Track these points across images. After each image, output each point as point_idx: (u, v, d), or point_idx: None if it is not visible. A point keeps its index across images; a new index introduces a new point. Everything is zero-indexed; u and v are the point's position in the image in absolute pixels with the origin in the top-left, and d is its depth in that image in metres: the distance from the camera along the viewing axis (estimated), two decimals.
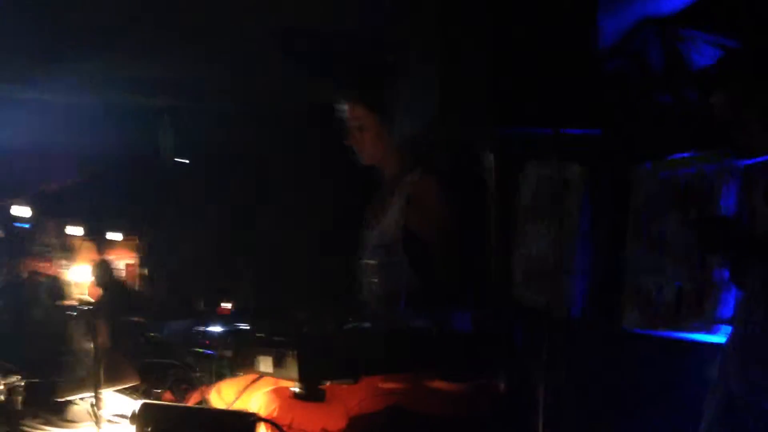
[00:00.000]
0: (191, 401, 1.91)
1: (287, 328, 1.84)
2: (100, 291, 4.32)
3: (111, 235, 3.66)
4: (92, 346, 1.64)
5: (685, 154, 1.95)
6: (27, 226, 3.86)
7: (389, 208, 2.22)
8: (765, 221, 1.65)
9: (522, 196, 2.19)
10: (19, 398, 1.61)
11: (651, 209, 2.05)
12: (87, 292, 3.52)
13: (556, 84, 1.73)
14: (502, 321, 1.86)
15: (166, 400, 1.93)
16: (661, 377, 1.98)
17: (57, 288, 4.32)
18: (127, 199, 3.58)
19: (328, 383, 1.70)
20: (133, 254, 3.66)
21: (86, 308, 1.68)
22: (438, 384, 1.76)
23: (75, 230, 3.69)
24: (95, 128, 3.50)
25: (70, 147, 3.57)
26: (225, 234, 3.26)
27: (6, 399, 1.62)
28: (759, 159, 1.70)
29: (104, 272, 4.82)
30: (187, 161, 3.36)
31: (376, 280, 1.92)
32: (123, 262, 3.70)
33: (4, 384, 1.61)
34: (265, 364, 1.76)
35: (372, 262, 1.94)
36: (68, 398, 1.70)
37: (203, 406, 1.81)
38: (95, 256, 3.82)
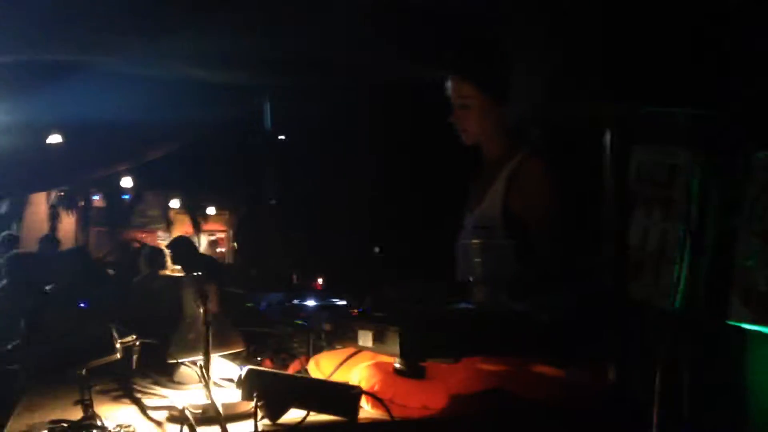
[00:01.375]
0: (290, 371, 1.94)
1: (388, 305, 1.84)
2: (179, 265, 4.49)
3: (207, 209, 3.78)
4: (202, 311, 1.69)
5: None
6: (127, 197, 4.03)
7: (492, 189, 2.19)
8: None
9: (629, 182, 2.11)
10: (135, 357, 1.68)
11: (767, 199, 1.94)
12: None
13: (675, 61, 1.65)
14: (607, 309, 1.80)
15: (266, 367, 1.97)
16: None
17: (153, 257, 4.52)
18: (225, 175, 3.68)
19: (429, 361, 1.69)
20: (228, 228, 3.77)
21: (197, 274, 1.72)
22: (541, 369, 1.73)
23: (173, 203, 3.83)
24: (196, 104, 3.61)
25: (171, 122, 3.68)
26: (323, 210, 3.30)
27: (122, 357, 1.68)
28: None
29: (184, 248, 4.99)
30: (286, 138, 3.42)
31: (479, 260, 1.89)
32: (217, 235, 3.81)
33: (121, 343, 1.68)
34: (365, 338, 1.76)
35: (476, 242, 1.91)
36: (178, 360, 1.76)
37: (304, 375, 1.83)
38: (190, 229, 3.95)
